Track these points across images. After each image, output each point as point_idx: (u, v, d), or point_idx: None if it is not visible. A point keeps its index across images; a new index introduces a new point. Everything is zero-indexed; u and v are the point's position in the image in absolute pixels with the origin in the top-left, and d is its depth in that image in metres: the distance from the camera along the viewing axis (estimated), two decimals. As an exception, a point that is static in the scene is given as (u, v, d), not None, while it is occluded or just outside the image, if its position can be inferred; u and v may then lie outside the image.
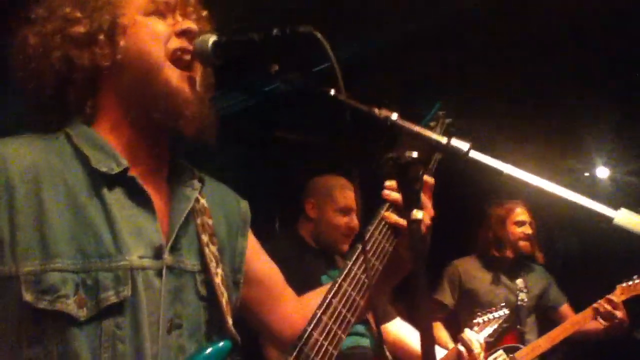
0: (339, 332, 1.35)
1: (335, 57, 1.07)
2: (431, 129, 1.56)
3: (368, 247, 1.42)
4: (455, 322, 3.75)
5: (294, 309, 1.52)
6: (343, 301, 1.37)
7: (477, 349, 3.01)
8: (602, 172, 5.26)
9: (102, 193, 1.19)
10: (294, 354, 1.29)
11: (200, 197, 1.35)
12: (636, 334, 4.19)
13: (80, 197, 1.17)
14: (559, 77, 4.16)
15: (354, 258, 1.40)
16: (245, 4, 3.17)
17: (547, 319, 3.81)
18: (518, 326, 3.63)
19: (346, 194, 2.98)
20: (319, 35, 1.10)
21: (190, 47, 1.26)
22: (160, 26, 1.28)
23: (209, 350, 1.23)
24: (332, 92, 1.10)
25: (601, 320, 3.48)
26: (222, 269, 1.34)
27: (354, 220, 2.93)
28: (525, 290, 3.72)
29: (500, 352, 3.53)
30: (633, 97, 4.32)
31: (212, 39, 1.24)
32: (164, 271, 1.21)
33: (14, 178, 1.14)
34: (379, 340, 2.86)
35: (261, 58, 1.17)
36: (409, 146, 1.06)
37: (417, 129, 1.07)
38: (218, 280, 1.30)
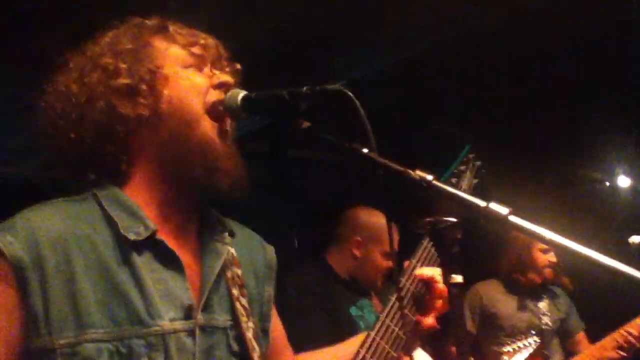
0: None
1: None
2: (461, 172, 1.53)
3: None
4: (476, 346, 3.70)
5: None
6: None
7: None
8: (623, 182, 5.21)
9: (132, 258, 1.18)
10: None
11: (229, 248, 1.34)
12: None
13: (110, 263, 1.16)
14: (579, 86, 4.13)
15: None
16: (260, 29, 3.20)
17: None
18: (544, 351, 3.57)
19: (394, 238, 2.90)
20: (349, 93, 1.09)
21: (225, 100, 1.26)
22: (199, 78, 1.29)
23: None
24: (365, 150, 1.08)
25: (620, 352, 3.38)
26: (253, 322, 1.32)
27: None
28: (549, 314, 3.66)
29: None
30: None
31: (241, 94, 1.24)
32: (196, 331, 1.20)
33: (45, 250, 1.12)
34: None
35: (291, 114, 1.16)
36: (444, 206, 1.03)
37: (453, 190, 1.04)
38: (250, 334, 1.29)
